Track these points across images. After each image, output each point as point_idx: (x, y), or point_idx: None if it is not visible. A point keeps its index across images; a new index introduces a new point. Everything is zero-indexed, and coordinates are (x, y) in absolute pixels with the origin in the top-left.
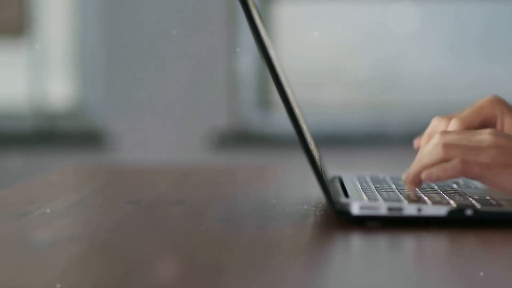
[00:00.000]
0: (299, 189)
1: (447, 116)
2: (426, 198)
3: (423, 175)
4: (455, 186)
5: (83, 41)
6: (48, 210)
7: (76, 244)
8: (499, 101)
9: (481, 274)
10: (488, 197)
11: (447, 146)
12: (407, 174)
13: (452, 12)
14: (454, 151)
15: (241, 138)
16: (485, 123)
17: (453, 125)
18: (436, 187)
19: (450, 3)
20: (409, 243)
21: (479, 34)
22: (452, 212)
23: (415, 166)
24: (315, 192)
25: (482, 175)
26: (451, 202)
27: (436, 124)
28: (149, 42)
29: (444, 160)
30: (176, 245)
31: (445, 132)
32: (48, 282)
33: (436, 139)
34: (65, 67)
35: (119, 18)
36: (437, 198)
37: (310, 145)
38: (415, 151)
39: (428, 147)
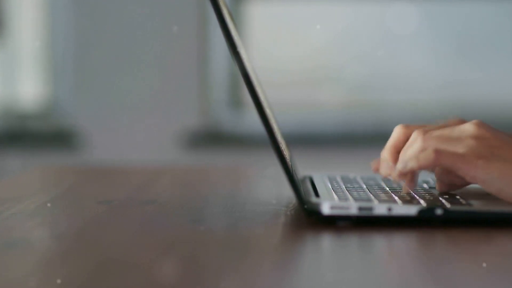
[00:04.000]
0: (270, 189)
1: (412, 125)
2: (396, 198)
3: (399, 167)
4: (425, 185)
5: (54, 41)
6: (17, 211)
7: (45, 244)
8: (464, 121)
9: (451, 271)
10: (458, 197)
11: (427, 137)
12: (396, 170)
13: (437, 13)
14: (432, 140)
15: (212, 138)
16: None
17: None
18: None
19: (436, 4)
20: (379, 243)
21: (454, 34)
22: (422, 212)
23: (400, 163)
24: (286, 192)
25: (455, 165)
26: (421, 201)
27: (398, 134)
28: (120, 42)
29: (424, 149)
30: (147, 245)
31: (425, 127)
32: (16, 282)
33: (416, 132)
34: (36, 67)
35: (90, 18)
36: (407, 197)
37: (280, 145)
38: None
39: (410, 140)
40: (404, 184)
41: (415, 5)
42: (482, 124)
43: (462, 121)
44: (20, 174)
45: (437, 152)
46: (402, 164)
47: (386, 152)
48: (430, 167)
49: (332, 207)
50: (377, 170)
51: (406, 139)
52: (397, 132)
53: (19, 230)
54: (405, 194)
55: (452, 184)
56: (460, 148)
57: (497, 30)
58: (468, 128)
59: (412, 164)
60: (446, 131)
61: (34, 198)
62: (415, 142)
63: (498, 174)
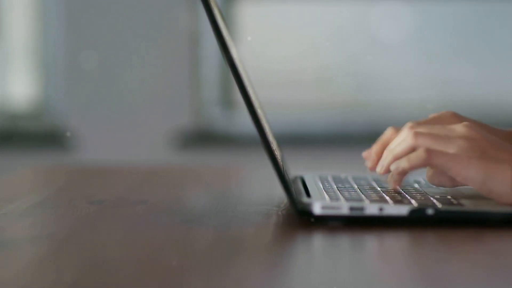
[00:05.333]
0: (261, 189)
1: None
2: (387, 198)
3: (392, 168)
4: (416, 185)
5: (45, 41)
6: (8, 211)
7: (36, 244)
8: (456, 115)
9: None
10: (449, 197)
11: (417, 134)
12: (380, 165)
13: (431, 12)
14: (423, 139)
15: (204, 138)
16: None
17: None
18: (397, 187)
19: (429, 3)
20: (370, 243)
21: (446, 33)
22: (413, 212)
23: (387, 158)
24: (278, 192)
25: (446, 164)
26: (413, 201)
27: (390, 134)
28: (111, 42)
29: (414, 148)
30: (138, 246)
31: (416, 123)
32: (7, 282)
33: (406, 129)
34: (27, 67)
35: (82, 19)
36: (399, 197)
37: (272, 145)
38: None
39: (399, 137)
40: (390, 180)
41: (409, 5)
42: (473, 125)
43: (455, 115)
44: (11, 175)
45: (429, 152)
46: (394, 165)
47: (374, 147)
48: (421, 167)
49: (323, 207)
50: (367, 158)
51: None
52: (388, 133)
53: (10, 231)
54: (396, 194)
55: (442, 185)
56: (451, 148)
57: (492, 30)
58: (459, 128)
59: (403, 165)
60: (436, 130)
61: (25, 198)
62: (405, 140)
63: (489, 174)
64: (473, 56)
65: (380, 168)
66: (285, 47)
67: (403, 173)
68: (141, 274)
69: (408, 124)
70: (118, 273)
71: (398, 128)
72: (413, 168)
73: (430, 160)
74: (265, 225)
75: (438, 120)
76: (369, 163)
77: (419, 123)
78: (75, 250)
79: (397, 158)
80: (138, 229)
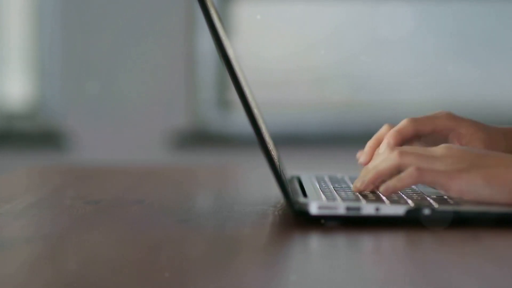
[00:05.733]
0: (258, 189)
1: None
2: (384, 198)
3: (381, 190)
4: (413, 186)
5: (41, 41)
6: (4, 211)
7: (33, 244)
8: (452, 115)
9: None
10: (445, 197)
11: (402, 152)
12: (360, 181)
13: (427, 13)
14: (409, 157)
15: (200, 138)
16: (436, 132)
17: (403, 123)
18: None
19: (425, 3)
20: (367, 243)
21: (443, 33)
22: (410, 212)
23: (370, 173)
24: (274, 192)
25: (438, 181)
26: (409, 201)
27: (386, 130)
28: (107, 42)
29: (399, 166)
30: (135, 246)
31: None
32: (4, 281)
33: (389, 149)
34: (23, 67)
35: (78, 19)
36: (395, 197)
37: (268, 145)
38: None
39: (383, 154)
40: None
41: (406, 5)
42: (450, 146)
43: (450, 115)
44: (7, 175)
45: (419, 170)
46: (384, 187)
47: (369, 142)
48: (412, 185)
49: (320, 207)
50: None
51: None
52: (383, 130)
53: (6, 231)
54: (393, 194)
55: None
56: (439, 166)
57: (491, 29)
58: (439, 149)
59: (395, 184)
60: (418, 150)
61: (21, 198)
62: (389, 159)
63: (482, 181)
64: (471, 56)
65: (360, 184)
66: (281, 47)
67: (393, 192)
68: (138, 274)
69: (388, 143)
70: (115, 273)
71: (393, 125)
72: (404, 187)
73: (421, 178)
74: (261, 225)
75: (434, 118)
76: (361, 158)
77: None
78: (71, 250)
79: (381, 175)
80: (135, 229)
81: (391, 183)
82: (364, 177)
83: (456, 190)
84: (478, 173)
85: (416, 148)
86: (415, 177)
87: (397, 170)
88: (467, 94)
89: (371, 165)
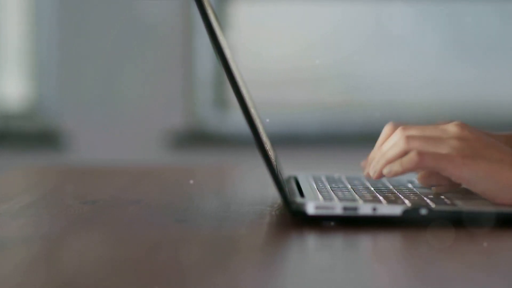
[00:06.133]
0: (255, 189)
1: (400, 123)
2: (381, 198)
3: (385, 172)
4: (410, 185)
5: (38, 41)
6: (1, 211)
7: (29, 244)
8: (464, 125)
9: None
10: (442, 197)
11: (408, 137)
12: (372, 170)
13: (424, 12)
14: (415, 142)
15: (197, 138)
16: None
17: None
18: (391, 187)
19: (415, 3)
20: (364, 243)
21: (440, 33)
22: (407, 212)
23: (380, 162)
24: (271, 192)
25: (439, 165)
26: (406, 201)
27: (389, 131)
28: (104, 42)
29: (407, 152)
30: (131, 246)
31: (407, 126)
32: (1, 281)
33: (398, 133)
34: (20, 67)
35: (75, 18)
36: (392, 197)
37: (265, 145)
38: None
39: (391, 141)
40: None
41: (403, 5)
42: (465, 125)
43: (462, 125)
44: (4, 175)
45: (421, 154)
46: (387, 169)
47: (374, 152)
48: (414, 170)
49: (317, 207)
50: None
51: None
52: (386, 131)
53: (3, 231)
54: (390, 194)
55: (432, 186)
56: (443, 149)
57: (490, 30)
58: (451, 128)
59: (396, 168)
60: (427, 132)
61: (18, 198)
62: (397, 144)
63: (484, 174)
64: (469, 56)
65: (373, 173)
66: (278, 47)
67: (395, 176)
68: (134, 274)
69: (400, 127)
70: (112, 274)
71: (396, 124)
72: (405, 171)
73: (422, 163)
74: (258, 225)
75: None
76: (366, 171)
77: (410, 126)
78: (68, 250)
79: (390, 162)
80: (132, 229)
81: (394, 167)
82: (375, 166)
83: (456, 176)
84: (481, 164)
85: (425, 129)
86: (415, 162)
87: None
88: (465, 95)
89: (381, 151)
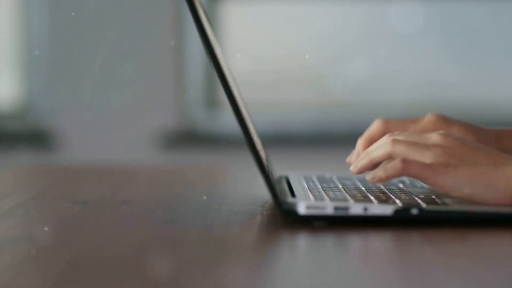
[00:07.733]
0: (246, 189)
1: (389, 119)
2: (372, 198)
3: (368, 178)
4: (401, 185)
5: (29, 40)
6: None
7: (20, 244)
8: (442, 117)
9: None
10: (433, 197)
11: (395, 141)
12: (354, 165)
13: (414, 12)
14: (401, 147)
15: (188, 138)
16: None
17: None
18: (382, 187)
19: (412, 3)
20: (355, 243)
21: (436, 33)
22: (398, 212)
23: (364, 159)
24: (262, 192)
25: (422, 174)
26: (397, 201)
27: (378, 127)
28: (95, 42)
29: (391, 154)
30: (122, 246)
31: (396, 132)
32: None
33: (385, 137)
34: (10, 67)
35: (66, 18)
36: (383, 197)
37: (256, 145)
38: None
39: (378, 142)
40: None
41: (398, 5)
42: (448, 133)
43: (440, 117)
44: None
45: (405, 162)
46: (371, 176)
47: (359, 141)
48: (397, 177)
49: (308, 207)
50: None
51: (383, 133)
52: (375, 126)
53: None
54: (381, 194)
55: None
56: (427, 158)
57: (487, 30)
58: (434, 137)
59: (380, 174)
60: (413, 138)
61: (8, 198)
62: (383, 146)
63: (467, 179)
64: (465, 56)
65: (353, 167)
66: (269, 47)
67: (379, 182)
68: (125, 274)
69: (388, 134)
70: (102, 273)
71: (386, 120)
72: (389, 178)
73: (406, 170)
74: (249, 225)
75: (421, 122)
76: (352, 166)
77: (393, 122)
78: (58, 250)
79: (373, 161)
80: (123, 229)
81: (377, 173)
82: (357, 162)
83: (440, 185)
84: (464, 170)
85: (411, 135)
86: (399, 169)
87: (390, 158)
88: (460, 94)
89: (367, 150)
